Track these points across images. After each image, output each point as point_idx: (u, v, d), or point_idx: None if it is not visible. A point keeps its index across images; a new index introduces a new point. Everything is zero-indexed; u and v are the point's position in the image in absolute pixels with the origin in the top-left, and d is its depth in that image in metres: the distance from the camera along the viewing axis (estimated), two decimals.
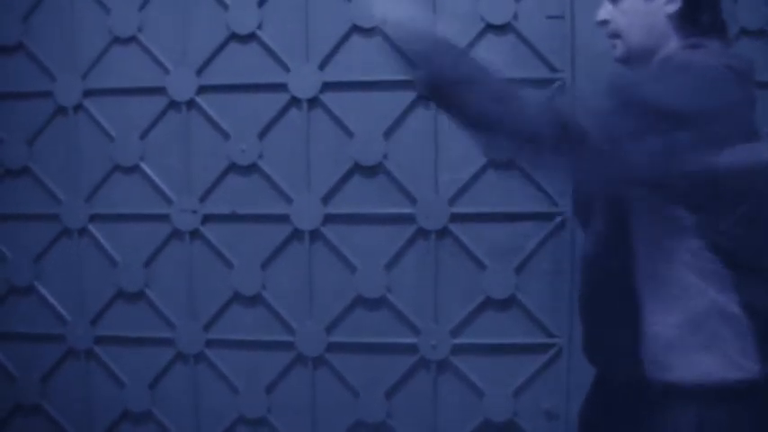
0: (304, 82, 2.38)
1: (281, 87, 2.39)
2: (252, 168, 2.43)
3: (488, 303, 2.37)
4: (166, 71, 2.45)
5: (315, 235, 2.41)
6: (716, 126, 1.29)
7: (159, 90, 2.46)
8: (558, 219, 2.30)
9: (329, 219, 2.40)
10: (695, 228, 1.37)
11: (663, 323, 1.40)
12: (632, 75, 1.46)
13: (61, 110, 2.52)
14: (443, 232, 2.36)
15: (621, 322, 1.45)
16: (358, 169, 2.38)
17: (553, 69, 2.29)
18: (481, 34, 2.32)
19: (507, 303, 2.36)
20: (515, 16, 2.31)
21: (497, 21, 2.31)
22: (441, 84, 1.38)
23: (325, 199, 2.40)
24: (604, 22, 1.51)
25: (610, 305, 1.49)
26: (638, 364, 1.42)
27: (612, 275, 1.47)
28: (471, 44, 2.31)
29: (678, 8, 1.43)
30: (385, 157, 2.36)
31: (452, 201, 2.35)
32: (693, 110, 1.28)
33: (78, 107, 2.51)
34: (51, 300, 2.58)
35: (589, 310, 1.57)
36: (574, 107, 1.34)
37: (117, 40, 2.49)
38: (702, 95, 1.30)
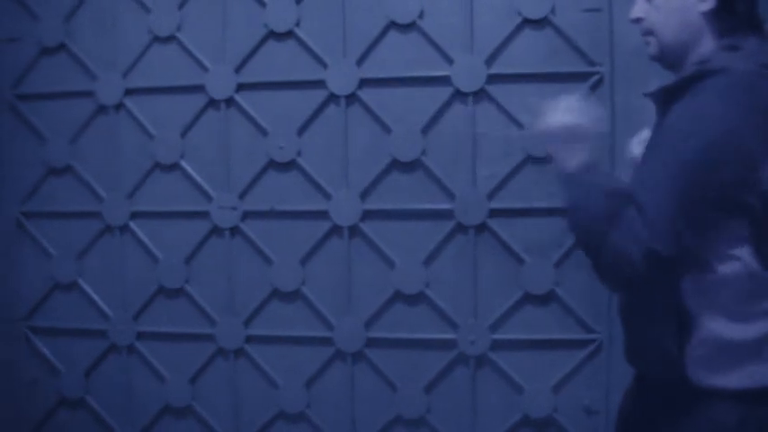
0: (342, 78, 2.39)
1: (320, 84, 2.40)
2: (290, 165, 2.45)
3: (527, 299, 2.36)
4: (205, 69, 2.48)
5: (353, 231, 2.42)
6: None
7: (198, 88, 2.49)
8: None
9: (368, 215, 2.41)
10: (746, 235, 1.35)
11: (709, 328, 1.38)
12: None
13: (103, 109, 2.57)
14: (482, 228, 2.36)
15: (666, 326, 1.43)
16: (396, 165, 2.39)
17: (591, 63, 2.28)
18: (518, 29, 2.31)
19: (546, 298, 2.35)
20: (553, 10, 2.29)
21: (535, 15, 2.30)
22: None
23: (364, 195, 2.41)
24: (638, 20, 1.50)
25: (652, 310, 1.47)
26: (682, 369, 1.41)
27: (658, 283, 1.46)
28: (509, 38, 2.31)
29: (712, 5, 1.41)
30: (423, 152, 2.36)
31: (491, 196, 2.34)
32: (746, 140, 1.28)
33: (119, 106, 2.55)
34: (94, 296, 2.62)
35: (630, 314, 1.55)
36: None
37: (157, 40, 2.52)
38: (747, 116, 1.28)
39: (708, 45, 1.41)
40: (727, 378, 1.37)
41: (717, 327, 1.38)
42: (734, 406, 1.36)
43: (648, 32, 1.48)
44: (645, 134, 1.56)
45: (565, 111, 1.48)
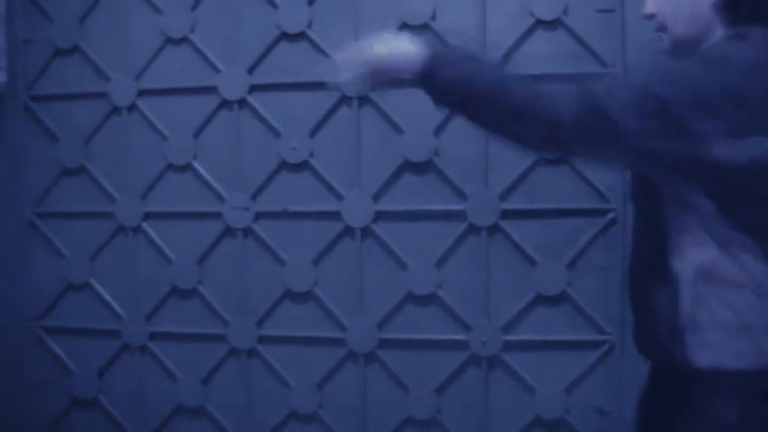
0: None
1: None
2: (303, 166, 2.45)
3: (539, 300, 2.36)
4: (218, 71, 2.49)
5: (366, 232, 2.42)
6: (738, 117, 1.29)
7: (211, 89, 2.49)
8: (610, 215, 2.29)
9: (380, 216, 2.41)
10: (723, 214, 1.36)
11: (700, 310, 1.40)
12: (666, 61, 1.45)
13: (116, 110, 2.57)
14: (494, 229, 2.35)
15: (663, 311, 1.45)
16: (408, 166, 2.39)
17: (604, 64, 2.28)
18: (531, 30, 2.31)
19: (558, 300, 2.35)
20: (565, 11, 2.29)
21: (547, 16, 2.30)
22: (456, 83, 1.44)
23: (376, 196, 2.41)
24: (651, 16, 1.51)
25: (652, 294, 1.49)
26: (683, 351, 1.42)
27: (651, 264, 1.48)
28: (521, 40, 2.31)
29: None
30: (435, 153, 2.36)
31: (503, 197, 2.34)
32: (715, 98, 1.29)
33: (132, 107, 2.56)
34: (107, 296, 2.63)
35: (635, 301, 1.58)
36: (601, 86, 1.36)
37: (169, 41, 2.53)
38: (728, 86, 1.30)
39: (718, 35, 1.43)
40: (720, 358, 1.38)
41: (699, 304, 1.39)
42: (734, 402, 1.37)
43: (661, 28, 1.50)
44: None
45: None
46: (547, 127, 1.37)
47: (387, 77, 1.55)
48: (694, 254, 1.40)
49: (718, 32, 1.42)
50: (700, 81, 1.30)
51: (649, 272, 1.49)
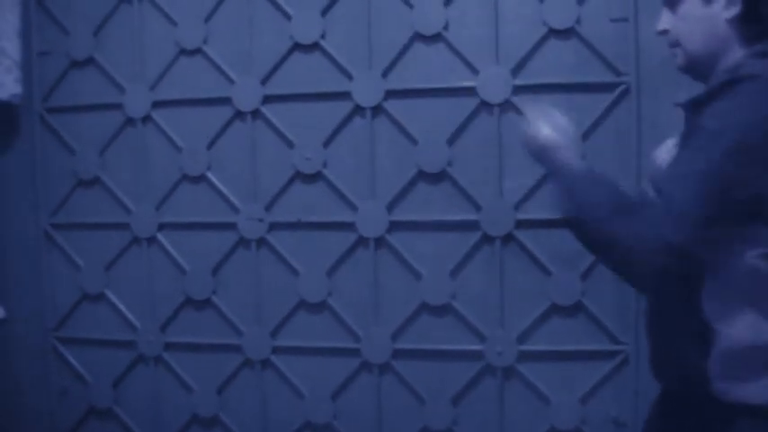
0: (367, 90, 2.40)
1: (345, 96, 2.41)
2: (317, 177, 2.46)
3: (554, 310, 2.35)
4: (232, 82, 2.50)
5: (380, 242, 2.42)
6: None
7: (225, 100, 2.51)
8: None
9: (394, 226, 2.41)
10: (762, 239, 1.34)
11: (731, 340, 1.37)
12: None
13: (130, 121, 2.59)
14: (508, 238, 2.35)
15: (688, 339, 1.42)
16: (422, 176, 2.39)
17: (617, 73, 2.27)
18: (544, 39, 2.31)
19: (573, 310, 2.34)
20: (578, 20, 2.29)
21: (561, 25, 2.30)
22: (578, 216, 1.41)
23: (390, 206, 2.41)
24: (664, 32, 1.49)
25: (676, 322, 1.46)
26: (706, 382, 1.40)
27: (678, 292, 1.45)
28: (534, 49, 2.31)
29: (737, 12, 1.38)
30: (449, 163, 2.36)
31: (517, 207, 2.34)
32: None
33: (147, 118, 2.58)
34: (122, 307, 2.64)
35: (655, 327, 1.55)
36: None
37: (183, 53, 2.55)
38: None
39: (736, 52, 1.39)
40: (749, 391, 1.36)
41: (735, 334, 1.37)
42: (759, 425, 1.35)
43: (675, 44, 1.47)
44: (671, 143, 1.56)
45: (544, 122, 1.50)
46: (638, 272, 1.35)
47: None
48: (730, 284, 1.37)
49: (737, 49, 1.40)
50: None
51: (673, 301, 1.46)
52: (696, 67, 1.45)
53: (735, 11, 1.38)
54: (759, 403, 1.34)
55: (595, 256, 1.45)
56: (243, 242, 2.53)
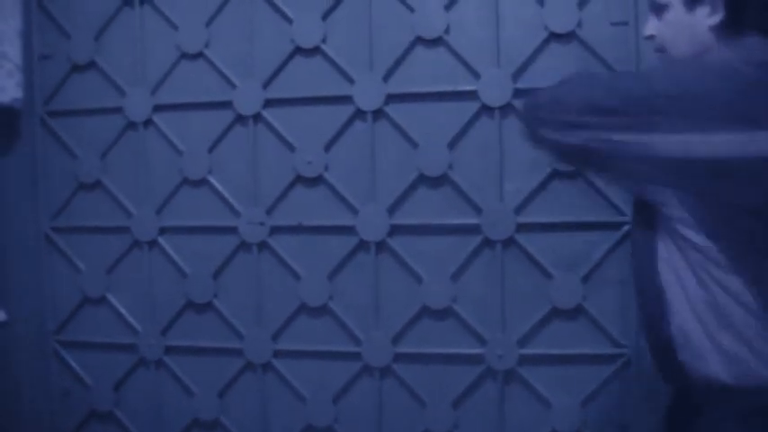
0: (368, 94, 2.40)
1: (346, 99, 2.41)
2: (318, 180, 2.46)
3: (555, 313, 2.35)
4: (233, 86, 2.50)
5: (381, 246, 2.42)
6: (704, 109, 1.30)
7: (226, 104, 2.51)
8: (625, 228, 2.27)
9: (395, 230, 2.41)
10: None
11: (690, 322, 1.41)
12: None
13: (131, 125, 2.59)
14: (509, 242, 2.35)
15: (661, 328, 1.46)
16: (423, 180, 2.39)
17: None
18: (545, 43, 2.31)
19: (574, 313, 2.34)
20: (579, 24, 2.29)
21: (561, 29, 2.30)
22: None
23: (391, 210, 2.41)
24: (651, 37, 1.54)
25: (651, 310, 1.50)
26: (681, 367, 1.45)
27: (646, 282, 1.50)
28: (535, 53, 2.31)
29: (720, 19, 1.42)
30: (450, 167, 2.37)
31: (518, 210, 2.34)
32: (675, 91, 1.32)
33: (148, 122, 2.58)
34: (123, 310, 2.64)
35: (641, 320, 1.59)
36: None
37: (185, 56, 2.54)
38: (696, 80, 1.33)
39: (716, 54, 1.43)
40: (713, 367, 1.40)
41: (688, 318, 1.42)
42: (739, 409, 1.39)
43: (661, 49, 1.52)
44: None
45: None
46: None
47: None
48: (680, 267, 1.42)
49: (719, 51, 1.43)
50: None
51: (645, 289, 1.51)
52: None
53: (718, 18, 1.42)
54: (730, 381, 1.39)
55: None
56: (244, 246, 2.53)
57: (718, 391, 1.40)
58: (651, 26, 1.53)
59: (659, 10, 1.50)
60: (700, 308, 1.40)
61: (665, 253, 1.44)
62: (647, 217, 1.47)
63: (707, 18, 1.42)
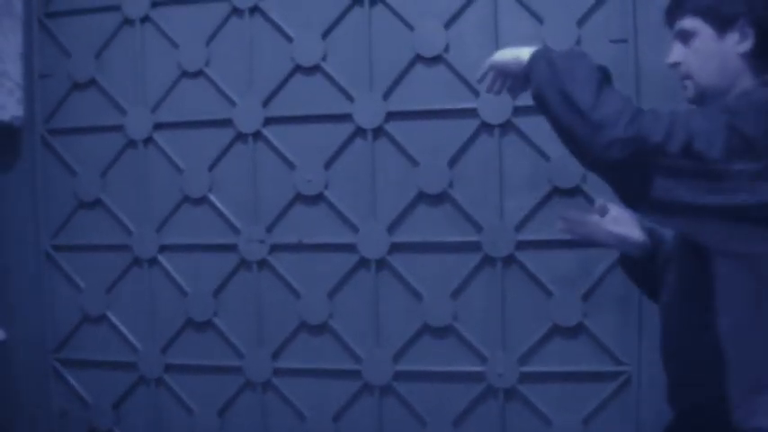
0: (368, 112, 2.40)
1: (346, 118, 2.42)
2: (318, 198, 2.46)
3: (556, 331, 2.34)
4: (233, 104, 2.51)
5: (381, 264, 2.42)
6: None
7: (226, 122, 2.51)
8: None
9: (395, 247, 2.41)
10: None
11: (748, 370, 1.37)
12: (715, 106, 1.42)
13: (132, 143, 2.60)
14: (509, 260, 2.35)
15: (703, 364, 1.42)
16: (423, 198, 2.39)
17: None
18: None
19: (575, 331, 2.33)
20: (578, 41, 2.29)
21: (561, 46, 2.28)
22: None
23: (391, 228, 2.41)
24: (675, 64, 1.50)
25: (690, 344, 1.46)
26: (726, 411, 1.40)
27: (695, 324, 1.44)
28: None
29: (751, 47, 1.41)
30: (450, 185, 2.37)
31: (518, 228, 2.34)
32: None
33: (148, 140, 2.58)
34: (123, 329, 2.64)
35: (671, 353, 1.54)
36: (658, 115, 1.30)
37: (185, 75, 2.56)
38: None
39: (746, 83, 1.41)
40: (763, 419, 1.36)
41: (751, 362, 1.37)
42: None
43: (687, 76, 1.48)
44: None
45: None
46: (585, 142, 1.34)
47: (507, 79, 1.64)
48: (748, 315, 1.36)
49: (747, 80, 1.41)
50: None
51: (690, 333, 1.46)
52: (706, 100, 1.46)
53: (747, 45, 1.40)
54: None
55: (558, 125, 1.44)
56: (244, 264, 2.53)
57: None
58: (676, 53, 1.49)
59: (686, 37, 1.47)
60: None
61: (732, 300, 1.37)
62: (701, 266, 1.41)
63: (736, 45, 1.41)
